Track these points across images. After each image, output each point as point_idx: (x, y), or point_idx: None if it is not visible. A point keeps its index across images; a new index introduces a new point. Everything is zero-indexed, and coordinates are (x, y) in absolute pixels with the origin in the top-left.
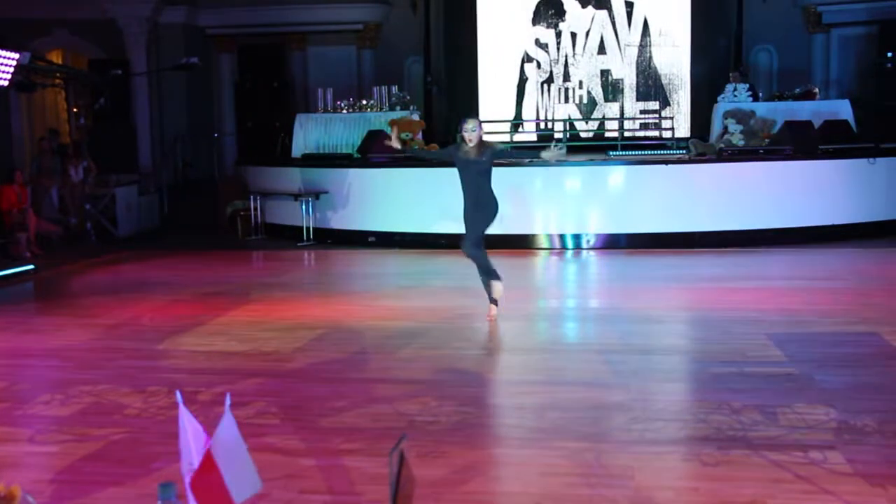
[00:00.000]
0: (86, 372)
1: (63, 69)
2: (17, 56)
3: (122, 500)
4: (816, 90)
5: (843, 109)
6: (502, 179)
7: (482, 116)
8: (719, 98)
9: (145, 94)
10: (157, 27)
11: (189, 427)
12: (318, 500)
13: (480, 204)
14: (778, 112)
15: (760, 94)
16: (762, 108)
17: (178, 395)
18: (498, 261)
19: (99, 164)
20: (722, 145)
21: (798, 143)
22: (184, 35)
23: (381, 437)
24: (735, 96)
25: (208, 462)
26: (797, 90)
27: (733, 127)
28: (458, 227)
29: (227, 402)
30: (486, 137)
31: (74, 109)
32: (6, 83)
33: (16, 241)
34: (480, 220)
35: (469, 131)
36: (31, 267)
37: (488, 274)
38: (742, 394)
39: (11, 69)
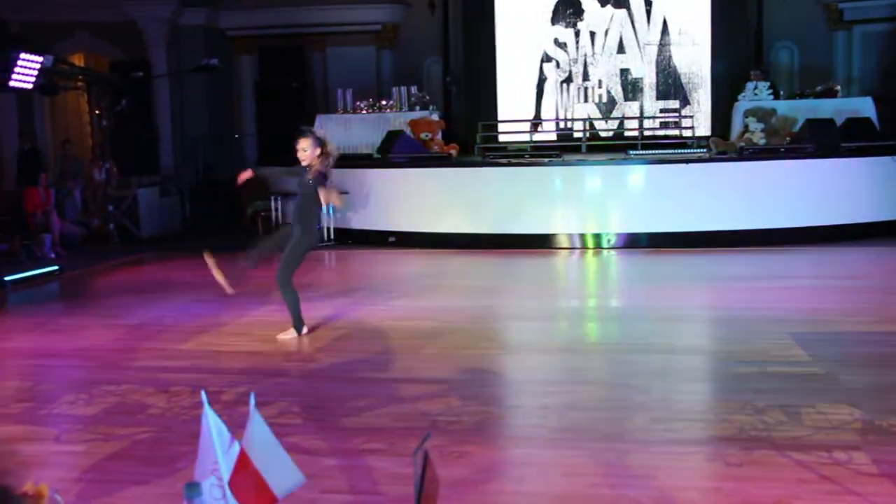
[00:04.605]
0: (110, 372)
1: (85, 72)
2: (40, 59)
3: (147, 498)
4: (838, 88)
5: (865, 107)
6: (524, 179)
7: (501, 116)
8: (740, 96)
9: (166, 95)
10: (177, 28)
11: (213, 429)
12: (340, 500)
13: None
14: (799, 110)
15: (781, 92)
16: (783, 107)
17: (203, 395)
18: (518, 260)
19: (121, 166)
20: (742, 144)
21: (820, 141)
22: (204, 36)
23: (403, 437)
24: (756, 94)
25: (243, 461)
26: (819, 88)
27: (754, 125)
28: (478, 227)
29: (252, 401)
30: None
31: (97, 112)
32: (30, 86)
33: (40, 242)
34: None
35: (301, 150)
36: (56, 268)
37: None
38: (766, 394)
39: (35, 72)
